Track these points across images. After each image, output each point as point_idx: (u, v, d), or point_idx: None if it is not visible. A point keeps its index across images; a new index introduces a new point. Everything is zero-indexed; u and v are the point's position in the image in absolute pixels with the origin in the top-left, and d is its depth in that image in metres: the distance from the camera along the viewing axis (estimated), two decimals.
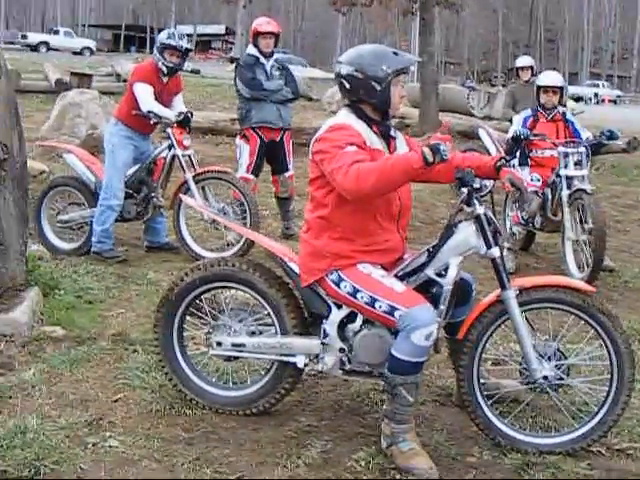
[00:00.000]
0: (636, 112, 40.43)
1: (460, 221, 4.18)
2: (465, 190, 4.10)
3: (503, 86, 49.68)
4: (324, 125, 4.20)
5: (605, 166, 14.62)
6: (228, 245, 8.06)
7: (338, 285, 4.12)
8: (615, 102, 63.27)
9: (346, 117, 4.17)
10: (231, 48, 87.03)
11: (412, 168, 3.83)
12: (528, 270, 8.03)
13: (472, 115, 21.07)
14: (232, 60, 60.51)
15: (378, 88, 4.09)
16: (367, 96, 4.13)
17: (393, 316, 3.97)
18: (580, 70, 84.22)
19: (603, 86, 70.87)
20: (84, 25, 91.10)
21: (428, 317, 3.93)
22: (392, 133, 4.30)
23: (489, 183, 4.22)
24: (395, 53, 4.15)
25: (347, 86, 4.18)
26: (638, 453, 4.30)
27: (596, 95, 62.87)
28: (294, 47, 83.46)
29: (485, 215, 4.11)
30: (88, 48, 60.27)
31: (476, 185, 4.06)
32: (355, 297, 4.07)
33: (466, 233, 4.15)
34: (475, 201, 4.11)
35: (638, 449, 4.33)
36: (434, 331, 3.94)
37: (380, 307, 4.01)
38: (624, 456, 4.27)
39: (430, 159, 3.80)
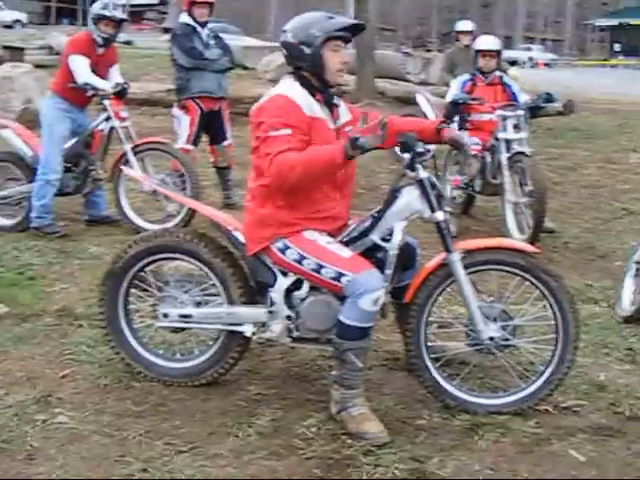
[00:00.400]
0: (570, 75, 40.89)
1: (403, 186, 4.20)
2: (408, 155, 4.11)
3: (439, 51, 49.84)
4: (266, 93, 4.19)
5: (541, 129, 14.76)
6: (169, 216, 7.99)
7: (284, 253, 4.11)
8: (549, 65, 63.77)
9: (289, 86, 4.15)
10: (164, 18, 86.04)
11: (335, 163, 3.92)
12: (469, 233, 8.07)
13: (408, 81, 21.09)
14: (166, 30, 59.92)
15: (307, 51, 4.08)
16: (300, 61, 4.14)
17: (340, 282, 3.98)
18: (514, 34, 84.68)
19: (537, 50, 71.42)
20: None
21: (375, 282, 3.95)
22: (335, 101, 4.28)
23: (432, 147, 4.23)
24: (330, 17, 4.14)
25: (285, 52, 4.19)
26: (584, 410, 4.39)
27: (530, 59, 63.29)
28: (228, 15, 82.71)
29: (428, 179, 4.13)
30: (19, 21, 58.89)
31: (419, 149, 4.07)
32: (301, 264, 4.08)
33: (410, 197, 4.17)
34: (418, 165, 4.12)
35: (584, 406, 4.43)
36: (381, 296, 3.96)
37: (327, 273, 4.01)
38: (570, 413, 4.35)
39: (350, 153, 3.88)
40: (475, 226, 8.64)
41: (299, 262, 4.08)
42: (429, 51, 43.44)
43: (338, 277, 3.98)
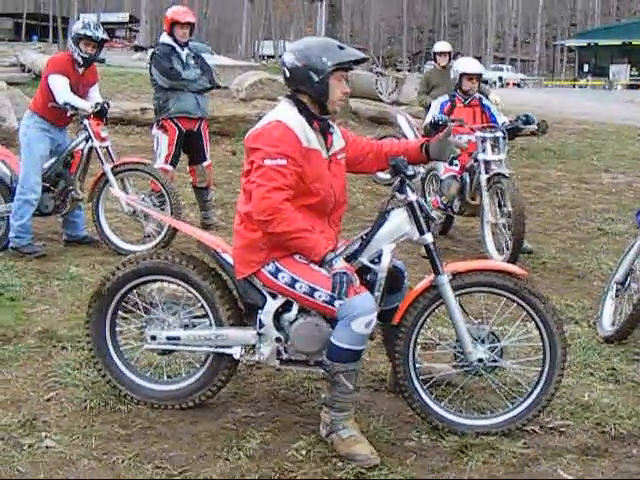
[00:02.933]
0: (540, 95, 41.26)
1: (392, 208, 4.22)
2: (398, 177, 4.14)
3: (409, 71, 50.17)
4: (263, 118, 4.19)
5: (514, 149, 14.89)
6: (148, 237, 7.98)
7: (276, 276, 4.11)
8: (519, 85, 64.44)
9: (286, 111, 4.15)
10: (135, 36, 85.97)
11: (311, 253, 3.99)
12: (448, 254, 8.11)
13: (381, 101, 21.19)
14: (137, 48, 59.91)
15: (315, 79, 4.08)
16: (304, 86, 4.13)
17: (333, 305, 3.99)
18: (484, 54, 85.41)
19: (507, 70, 72.13)
20: None
21: (368, 305, 3.95)
22: (330, 130, 4.30)
23: (422, 169, 4.26)
24: (341, 47, 4.14)
25: (287, 74, 4.17)
26: (570, 430, 4.42)
27: (500, 79, 63.92)
28: (199, 33, 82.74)
29: (417, 202, 4.16)
30: None
31: (409, 172, 4.10)
32: (294, 287, 4.08)
33: (399, 220, 4.19)
34: (407, 188, 4.15)
35: (570, 426, 4.46)
36: (374, 319, 3.97)
37: (320, 297, 4.02)
38: (557, 433, 4.38)
39: (326, 262, 3.95)
40: (454, 246, 8.69)
41: (291, 285, 4.08)
42: (399, 70, 43.65)
43: (331, 300, 3.99)
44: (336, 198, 4.23)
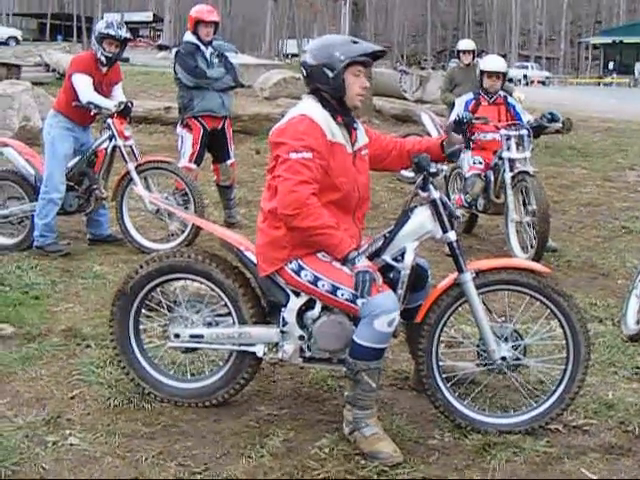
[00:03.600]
0: (565, 93, 41.05)
1: (416, 206, 4.21)
2: (421, 175, 4.13)
3: (433, 69, 50.02)
4: (287, 114, 4.19)
5: (539, 147, 14.81)
6: (172, 235, 8.00)
7: (298, 274, 4.11)
8: (544, 83, 64.12)
9: (310, 106, 4.14)
10: (159, 35, 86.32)
11: (334, 250, 3.99)
12: (472, 252, 8.11)
13: (405, 99, 21.16)
14: (161, 47, 60.15)
15: (330, 75, 4.07)
16: (320, 83, 4.12)
17: (355, 304, 3.98)
18: (509, 52, 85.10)
19: (532, 68, 71.77)
20: (8, 14, 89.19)
21: (391, 304, 3.94)
22: (354, 125, 4.28)
23: (445, 167, 4.25)
24: (355, 42, 4.13)
25: (304, 73, 4.18)
26: (594, 429, 4.39)
27: (525, 77, 63.63)
28: (223, 33, 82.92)
29: (441, 199, 4.15)
30: (14, 38, 58.81)
31: (432, 170, 4.09)
32: (316, 285, 4.07)
33: (422, 218, 4.17)
34: (430, 186, 4.14)
35: (594, 425, 4.43)
36: (397, 317, 3.96)
37: (342, 295, 4.01)
38: (581, 432, 4.35)
39: (348, 260, 3.95)
40: (478, 245, 8.67)
41: (314, 283, 4.07)
42: (423, 69, 43.60)
43: (354, 299, 3.98)
44: (360, 194, 4.22)
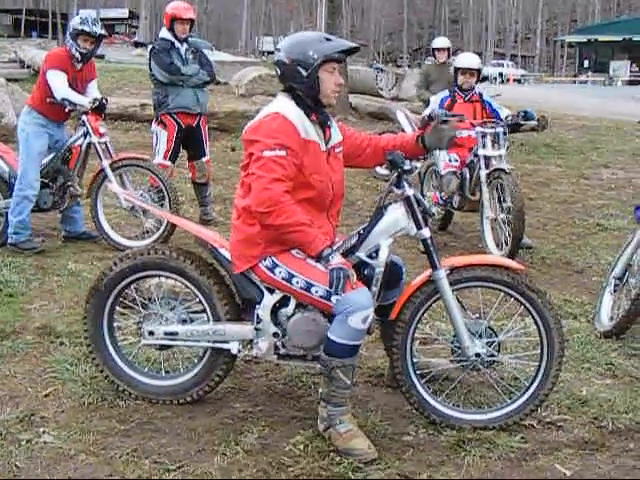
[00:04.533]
0: (540, 91, 41.22)
1: (390, 203, 4.22)
2: (395, 172, 4.13)
3: (409, 67, 50.16)
4: (261, 111, 4.18)
5: (514, 145, 14.88)
6: (147, 233, 7.98)
7: (272, 271, 4.11)
8: (520, 81, 64.36)
9: (284, 104, 4.13)
10: (135, 32, 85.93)
11: (308, 247, 3.99)
12: (447, 249, 8.15)
13: (381, 96, 21.19)
14: (137, 44, 59.89)
15: (304, 74, 4.07)
16: (294, 82, 4.12)
17: (329, 300, 3.98)
18: (485, 50, 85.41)
19: (508, 66, 72.06)
20: None
21: (365, 301, 3.94)
22: (328, 123, 4.28)
23: (419, 164, 4.26)
24: (328, 39, 4.13)
25: (278, 71, 4.17)
26: (568, 425, 4.42)
27: (501, 75, 63.84)
28: (200, 29, 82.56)
29: (415, 196, 4.16)
30: None
31: (406, 167, 4.10)
32: (290, 282, 4.07)
33: (396, 215, 4.18)
34: (404, 183, 4.14)
35: (568, 421, 4.46)
36: (371, 314, 3.96)
37: (316, 292, 4.02)
38: (555, 428, 4.38)
39: (322, 258, 3.94)
40: (452, 242, 8.70)
41: (288, 280, 4.07)
42: (399, 67, 43.69)
43: (328, 295, 3.98)
44: (334, 191, 4.23)
